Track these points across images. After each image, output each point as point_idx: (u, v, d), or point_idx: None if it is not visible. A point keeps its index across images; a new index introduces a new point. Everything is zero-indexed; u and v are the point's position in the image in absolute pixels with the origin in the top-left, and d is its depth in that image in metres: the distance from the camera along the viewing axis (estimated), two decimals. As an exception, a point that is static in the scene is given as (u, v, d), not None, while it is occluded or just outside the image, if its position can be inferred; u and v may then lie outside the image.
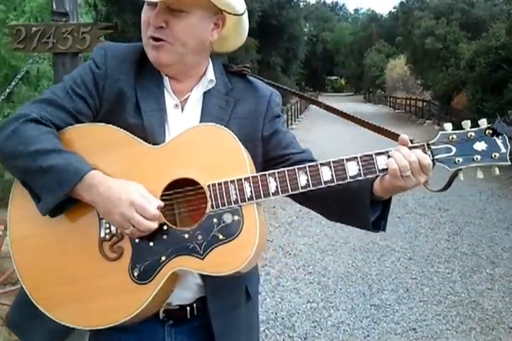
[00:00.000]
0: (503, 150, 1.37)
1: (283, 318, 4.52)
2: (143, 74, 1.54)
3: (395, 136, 1.46)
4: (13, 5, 6.89)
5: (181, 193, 1.43)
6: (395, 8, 53.83)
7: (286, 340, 4.18)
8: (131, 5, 13.79)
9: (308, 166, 1.40)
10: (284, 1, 35.12)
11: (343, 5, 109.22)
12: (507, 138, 1.38)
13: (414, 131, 18.52)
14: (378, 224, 1.50)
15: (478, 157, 1.37)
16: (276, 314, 4.59)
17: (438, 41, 27.34)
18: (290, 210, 8.12)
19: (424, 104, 30.10)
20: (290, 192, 1.40)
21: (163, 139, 1.48)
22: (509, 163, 1.37)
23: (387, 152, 1.39)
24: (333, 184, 1.39)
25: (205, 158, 1.41)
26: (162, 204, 1.38)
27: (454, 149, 1.38)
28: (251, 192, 1.38)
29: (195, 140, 1.42)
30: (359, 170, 1.38)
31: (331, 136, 18.12)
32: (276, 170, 1.40)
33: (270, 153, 1.58)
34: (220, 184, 1.39)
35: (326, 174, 1.39)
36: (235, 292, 1.58)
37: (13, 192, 1.48)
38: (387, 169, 1.37)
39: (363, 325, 4.42)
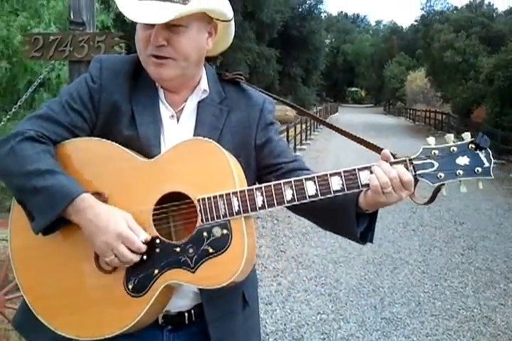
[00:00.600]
0: (487, 164, 1.36)
1: (292, 329, 4.50)
2: (138, 87, 1.56)
3: (378, 150, 1.46)
4: (37, 13, 7.03)
5: (175, 206, 1.45)
6: (416, 20, 53.78)
7: (295, 351, 4.16)
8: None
9: (294, 180, 1.41)
10: (306, 13, 35.34)
11: (365, 17, 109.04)
12: (490, 152, 1.37)
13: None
14: (365, 236, 1.49)
15: (461, 172, 1.36)
16: (285, 325, 4.58)
17: (457, 54, 27.23)
18: (305, 221, 7.96)
19: (444, 116, 29.91)
20: (276, 207, 1.41)
21: (159, 150, 1.50)
22: (492, 177, 1.36)
23: (370, 167, 1.39)
24: (317, 198, 1.40)
25: (195, 171, 1.42)
26: (149, 237, 1.40)
27: (436, 164, 1.37)
28: (239, 206, 1.39)
29: (185, 154, 1.44)
30: (342, 184, 1.38)
31: (348, 146, 18.06)
32: (263, 185, 1.42)
33: (263, 162, 1.60)
34: (209, 198, 1.40)
35: (311, 188, 1.39)
36: (231, 299, 1.59)
37: (14, 204, 1.50)
38: (369, 184, 1.37)
39: (373, 338, 4.38)
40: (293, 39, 32.03)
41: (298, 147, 17.02)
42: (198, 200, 1.41)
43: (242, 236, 1.39)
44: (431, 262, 6.37)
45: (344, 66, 75.42)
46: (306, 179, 1.40)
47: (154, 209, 1.42)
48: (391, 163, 1.38)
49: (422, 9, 50.87)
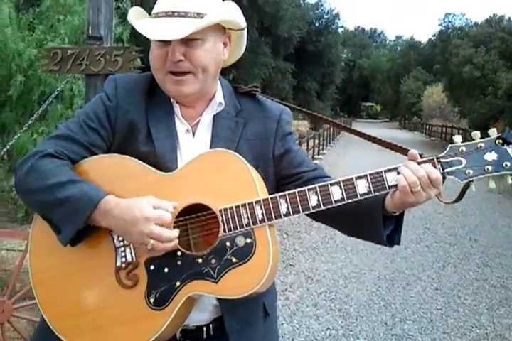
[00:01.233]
0: None
1: (300, 345, 4.46)
2: (153, 103, 1.58)
3: (404, 152, 1.47)
4: (53, 28, 7.16)
5: (194, 219, 1.45)
6: (434, 35, 53.74)
7: (302, 368, 4.12)
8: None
9: (319, 186, 1.41)
10: (322, 28, 35.46)
11: (382, 32, 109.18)
12: None
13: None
14: (392, 238, 1.49)
15: (490, 167, 1.37)
16: (293, 340, 4.52)
17: (476, 69, 27.10)
18: (315, 235, 8.05)
19: (460, 131, 29.70)
20: (301, 213, 1.42)
21: (176, 165, 1.51)
22: None
23: (397, 168, 1.39)
24: (343, 202, 1.40)
25: (216, 183, 1.43)
26: (177, 203, 1.40)
27: (464, 161, 1.38)
28: (262, 214, 1.40)
29: (204, 166, 1.45)
30: (369, 187, 1.39)
31: (359, 161, 18.02)
32: (286, 192, 1.42)
33: (282, 172, 1.60)
34: (231, 208, 1.41)
35: (337, 193, 1.40)
36: (252, 309, 1.59)
37: (33, 227, 1.53)
38: (397, 185, 1.37)
39: (383, 355, 4.33)
40: (309, 53, 32.10)
41: (311, 161, 16.94)
42: (220, 211, 1.41)
43: (267, 244, 1.38)
44: (444, 279, 6.27)
45: (359, 81, 75.43)
46: (332, 184, 1.41)
47: (174, 222, 1.42)
48: (418, 163, 1.38)
49: (440, 25, 50.78)
